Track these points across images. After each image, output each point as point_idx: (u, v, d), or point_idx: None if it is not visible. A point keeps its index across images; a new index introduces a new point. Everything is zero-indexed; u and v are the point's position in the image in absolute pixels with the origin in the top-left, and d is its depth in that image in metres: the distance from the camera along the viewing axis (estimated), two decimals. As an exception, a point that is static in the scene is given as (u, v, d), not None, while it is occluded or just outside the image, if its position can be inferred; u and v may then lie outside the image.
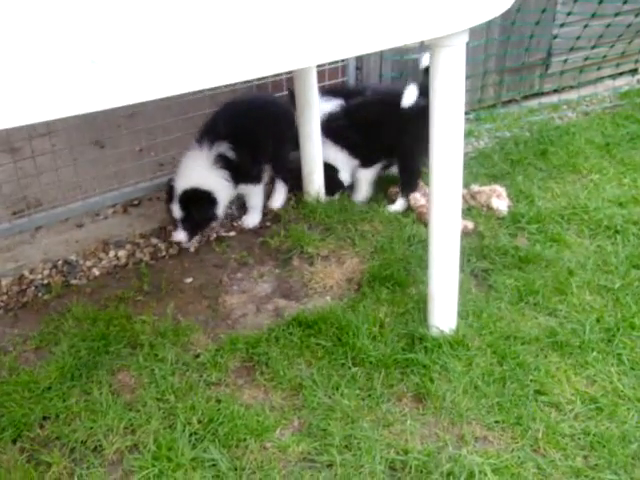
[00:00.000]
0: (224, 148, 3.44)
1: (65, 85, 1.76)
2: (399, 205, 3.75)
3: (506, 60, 4.75)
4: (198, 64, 1.89)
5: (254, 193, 3.66)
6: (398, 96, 3.63)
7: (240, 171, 3.50)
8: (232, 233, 3.63)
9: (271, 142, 3.71)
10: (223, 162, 3.43)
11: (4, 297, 3.26)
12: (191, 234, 3.41)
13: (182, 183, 3.40)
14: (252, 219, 3.69)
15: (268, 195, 3.80)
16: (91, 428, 2.48)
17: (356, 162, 3.79)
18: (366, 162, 3.80)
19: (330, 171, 3.79)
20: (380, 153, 3.81)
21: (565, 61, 5.03)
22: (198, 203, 3.37)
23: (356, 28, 2.07)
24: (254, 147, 3.56)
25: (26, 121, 1.73)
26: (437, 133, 2.44)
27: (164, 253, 3.50)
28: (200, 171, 3.43)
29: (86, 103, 1.79)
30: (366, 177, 3.82)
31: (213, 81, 1.95)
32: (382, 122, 3.69)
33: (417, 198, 3.68)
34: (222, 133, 3.48)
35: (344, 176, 3.81)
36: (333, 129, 3.76)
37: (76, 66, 1.80)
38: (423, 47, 2.27)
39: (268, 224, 3.68)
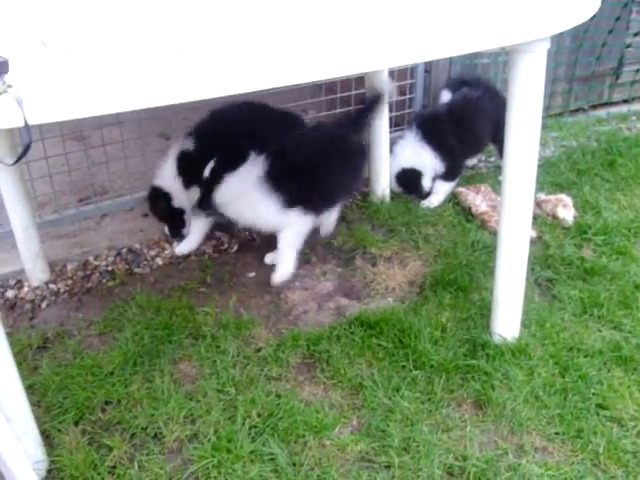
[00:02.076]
0: None
1: (152, 76, 1.78)
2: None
3: (576, 68, 4.70)
4: (277, 61, 1.90)
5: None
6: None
7: None
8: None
9: None
10: None
11: (69, 282, 3.32)
12: None
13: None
14: None
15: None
16: (152, 415, 2.51)
17: (442, 171, 3.79)
18: (452, 173, 3.81)
19: (413, 176, 3.81)
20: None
21: (637, 71, 4.95)
22: None
23: (440, 32, 2.07)
24: None
25: (114, 110, 1.76)
26: (513, 140, 2.42)
27: (226, 246, 3.52)
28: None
29: (171, 94, 1.81)
30: (446, 190, 3.82)
31: (291, 79, 1.96)
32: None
33: (477, 204, 3.67)
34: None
35: (427, 182, 3.82)
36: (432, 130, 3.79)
37: (163, 58, 1.83)
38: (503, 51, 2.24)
39: (332, 223, 3.70)
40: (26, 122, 1.64)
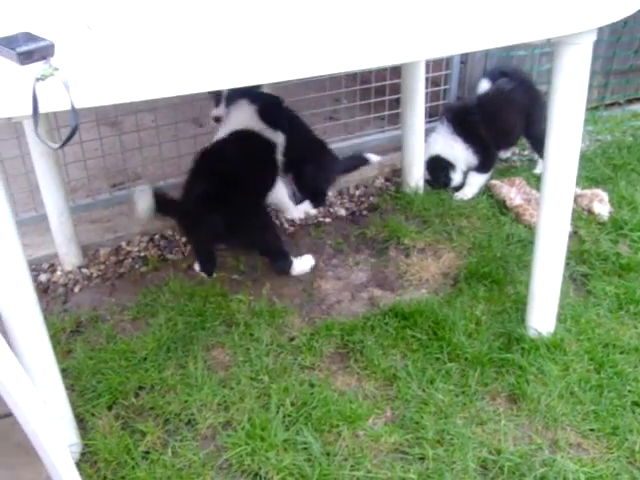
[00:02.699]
0: None
1: (196, 62, 1.78)
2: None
3: (613, 62, 4.64)
4: (317, 50, 1.89)
5: None
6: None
7: None
8: (328, 219, 3.63)
9: None
10: None
11: (102, 266, 3.34)
12: None
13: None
14: None
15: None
16: (185, 401, 2.52)
17: (475, 163, 3.77)
18: (485, 165, 3.79)
19: (442, 165, 3.80)
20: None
21: (675, 66, 4.88)
22: None
23: (486, 22, 2.05)
24: None
25: (157, 95, 1.77)
26: (555, 133, 2.39)
27: (260, 234, 3.52)
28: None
29: (215, 80, 1.81)
30: (480, 182, 3.80)
31: (331, 67, 1.95)
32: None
33: (512, 197, 3.64)
34: None
35: (457, 175, 3.82)
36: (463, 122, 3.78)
37: (206, 44, 1.83)
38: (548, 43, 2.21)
39: (365, 213, 3.68)
40: (73, 106, 1.64)
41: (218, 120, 3.44)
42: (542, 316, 2.75)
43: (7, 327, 2.03)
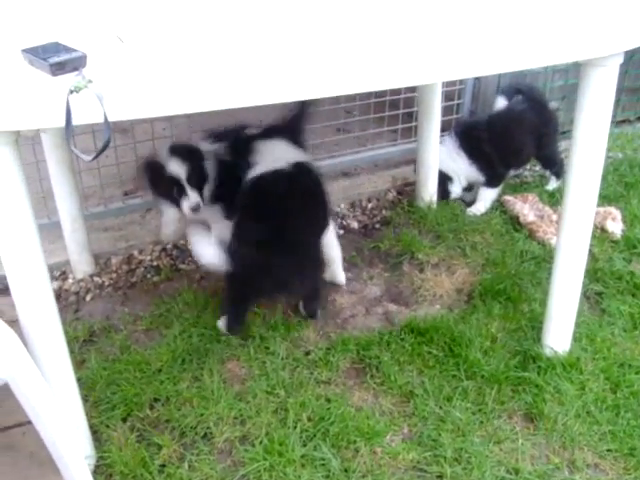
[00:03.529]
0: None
1: (228, 76, 1.78)
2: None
3: (625, 79, 4.64)
4: (346, 70, 1.89)
5: None
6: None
7: None
8: (341, 231, 3.62)
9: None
10: None
11: (114, 275, 3.32)
12: None
13: None
14: None
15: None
16: (201, 415, 2.50)
17: (481, 179, 3.78)
18: (492, 181, 3.79)
19: (440, 178, 3.79)
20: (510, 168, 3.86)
21: (686, 84, 4.89)
22: None
23: (515, 44, 2.05)
24: None
25: (189, 110, 1.78)
26: (579, 153, 2.39)
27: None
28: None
29: (247, 96, 1.81)
30: (491, 197, 3.80)
31: (358, 87, 1.97)
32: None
33: (525, 214, 3.63)
34: None
35: (455, 188, 3.80)
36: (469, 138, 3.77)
37: (237, 58, 1.83)
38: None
39: (377, 226, 3.67)
40: (106, 118, 1.63)
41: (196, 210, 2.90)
42: (559, 335, 2.74)
43: (26, 336, 2.02)
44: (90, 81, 1.63)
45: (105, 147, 1.66)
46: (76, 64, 1.70)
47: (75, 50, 1.74)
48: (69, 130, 1.63)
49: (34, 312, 2.01)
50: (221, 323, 2.89)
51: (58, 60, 1.70)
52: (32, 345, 2.02)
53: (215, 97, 1.77)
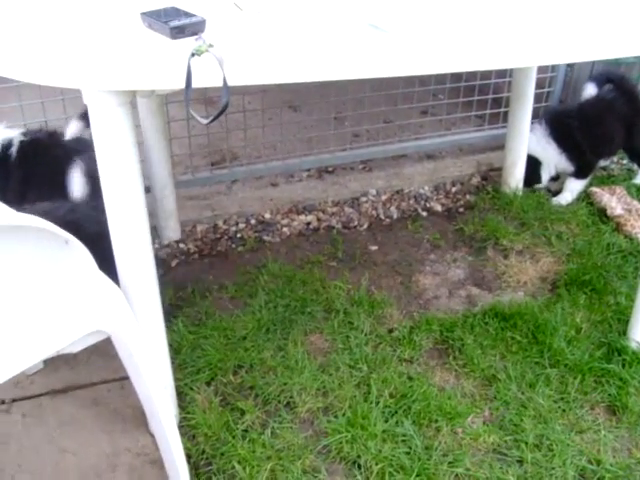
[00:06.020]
0: None
1: (343, 47, 1.79)
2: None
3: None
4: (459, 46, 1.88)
5: None
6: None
7: None
8: (424, 213, 3.63)
9: None
10: None
11: (199, 243, 3.38)
12: None
13: None
14: None
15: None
16: (285, 384, 2.53)
17: (570, 169, 3.72)
18: (582, 172, 3.73)
19: (532, 163, 3.74)
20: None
21: None
22: None
23: (613, 32, 2.01)
24: None
25: (304, 79, 1.77)
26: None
27: (356, 223, 3.52)
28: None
29: (361, 68, 1.81)
30: (578, 188, 3.75)
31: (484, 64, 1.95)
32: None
33: (613, 207, 3.58)
34: None
35: (545, 174, 3.76)
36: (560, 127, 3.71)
37: (355, 29, 1.83)
38: None
39: (461, 210, 3.66)
40: (225, 82, 1.66)
41: None
42: (646, 329, 2.71)
43: (126, 295, 2.06)
44: (211, 45, 1.65)
45: (223, 110, 1.69)
46: (195, 28, 1.73)
47: (194, 15, 1.77)
48: (188, 92, 1.66)
49: (135, 273, 2.05)
50: None
51: (179, 24, 1.73)
52: (131, 304, 2.06)
53: (331, 67, 1.77)
